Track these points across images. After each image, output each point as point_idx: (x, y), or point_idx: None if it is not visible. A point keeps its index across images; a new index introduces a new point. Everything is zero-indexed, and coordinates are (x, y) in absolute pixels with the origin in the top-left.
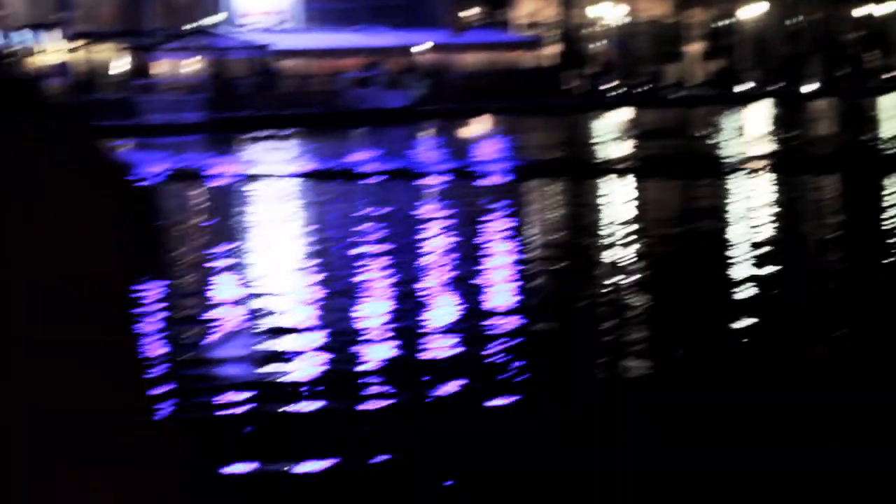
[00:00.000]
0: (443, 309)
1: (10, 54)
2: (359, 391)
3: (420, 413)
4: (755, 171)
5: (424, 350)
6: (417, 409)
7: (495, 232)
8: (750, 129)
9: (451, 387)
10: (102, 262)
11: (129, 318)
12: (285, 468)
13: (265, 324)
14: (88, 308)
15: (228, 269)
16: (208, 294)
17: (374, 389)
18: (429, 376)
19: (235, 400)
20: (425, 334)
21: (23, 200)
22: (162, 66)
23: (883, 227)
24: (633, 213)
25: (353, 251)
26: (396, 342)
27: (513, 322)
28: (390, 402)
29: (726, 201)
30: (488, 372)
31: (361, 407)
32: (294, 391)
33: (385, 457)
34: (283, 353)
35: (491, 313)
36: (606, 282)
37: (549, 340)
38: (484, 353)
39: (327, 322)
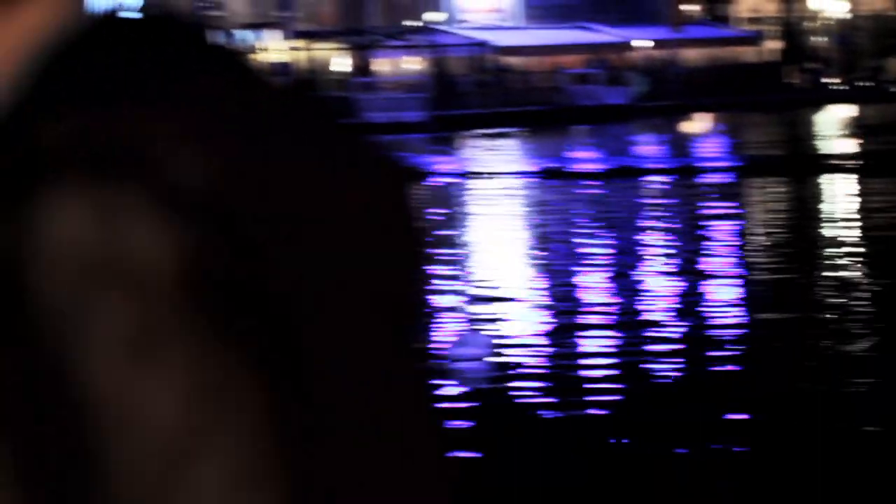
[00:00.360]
0: (674, 311)
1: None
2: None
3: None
4: None
5: (652, 352)
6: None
7: (719, 231)
8: None
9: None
10: (399, 270)
11: (418, 328)
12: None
13: (502, 328)
14: (389, 321)
15: (454, 266)
16: (439, 292)
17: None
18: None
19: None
20: (652, 335)
21: (318, 207)
22: (383, 65)
23: None
24: (861, 211)
25: (578, 250)
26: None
27: (755, 325)
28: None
29: None
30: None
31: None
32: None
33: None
34: (515, 353)
35: (724, 313)
36: (844, 284)
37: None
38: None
39: (558, 322)
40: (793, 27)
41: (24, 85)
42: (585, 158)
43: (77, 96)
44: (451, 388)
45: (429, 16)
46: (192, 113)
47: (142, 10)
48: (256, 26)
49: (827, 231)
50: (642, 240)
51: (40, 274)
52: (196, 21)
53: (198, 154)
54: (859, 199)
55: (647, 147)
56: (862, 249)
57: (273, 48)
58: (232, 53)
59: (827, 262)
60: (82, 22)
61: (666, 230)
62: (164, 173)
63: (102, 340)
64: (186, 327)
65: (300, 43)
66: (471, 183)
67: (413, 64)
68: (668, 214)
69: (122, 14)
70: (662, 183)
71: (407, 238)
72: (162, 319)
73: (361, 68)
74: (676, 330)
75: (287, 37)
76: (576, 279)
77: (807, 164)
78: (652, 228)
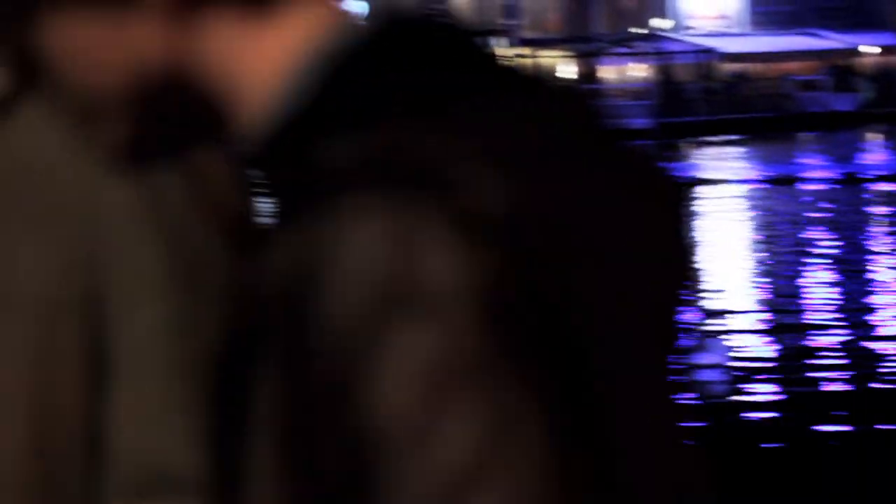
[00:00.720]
0: None
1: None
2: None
3: None
4: None
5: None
6: None
7: None
8: None
9: None
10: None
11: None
12: None
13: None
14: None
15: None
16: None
17: None
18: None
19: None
20: (885, 348)
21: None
22: (608, 72)
23: None
24: None
25: (807, 259)
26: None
27: None
28: None
29: None
30: None
31: None
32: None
33: None
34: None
35: None
36: None
37: None
38: None
39: (787, 333)
40: None
41: (295, 99)
42: (813, 165)
43: (363, 112)
44: (692, 398)
45: (654, 22)
46: (489, 131)
47: (406, 18)
48: (483, 34)
49: None
50: (872, 248)
51: (332, 297)
52: (465, 27)
53: (498, 176)
54: None
55: (876, 154)
56: None
57: (499, 55)
58: (505, 62)
59: None
60: (350, 31)
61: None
62: (463, 195)
63: (396, 367)
64: (482, 359)
65: (526, 50)
66: (698, 190)
67: (639, 71)
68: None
69: (391, 21)
70: (892, 191)
71: (680, 253)
72: (458, 348)
73: (587, 75)
74: None
75: (513, 44)
76: (805, 289)
77: None
78: (882, 237)
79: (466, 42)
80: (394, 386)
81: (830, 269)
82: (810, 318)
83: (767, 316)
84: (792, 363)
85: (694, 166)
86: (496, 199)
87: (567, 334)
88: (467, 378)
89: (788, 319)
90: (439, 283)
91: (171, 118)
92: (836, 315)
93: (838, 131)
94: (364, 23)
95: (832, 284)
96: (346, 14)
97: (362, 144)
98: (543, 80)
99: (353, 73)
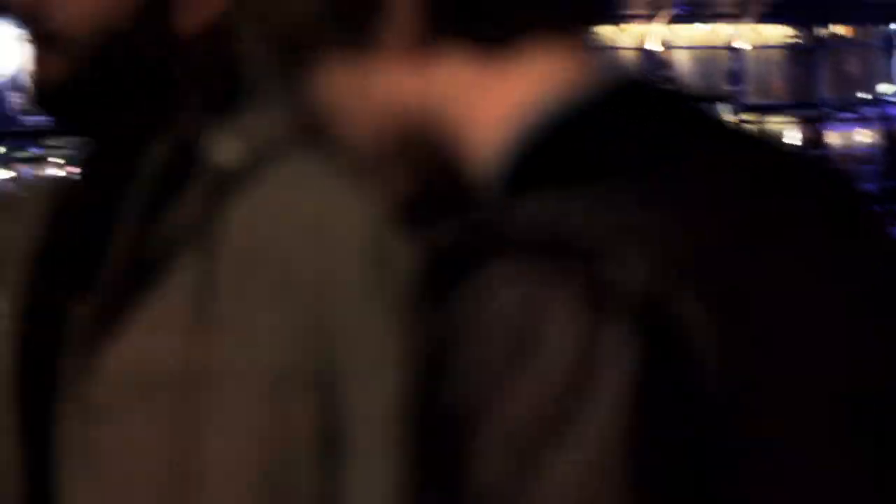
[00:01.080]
0: None
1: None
2: None
3: None
4: None
5: None
6: None
7: None
8: None
9: None
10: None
11: None
12: None
13: None
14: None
15: None
16: None
17: None
18: None
19: None
20: None
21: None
22: (833, 137)
23: None
24: None
25: None
26: None
27: None
28: None
29: None
30: None
31: None
32: None
33: None
34: None
35: None
36: None
37: None
38: None
39: None
40: None
41: (507, 160)
42: None
43: (543, 176)
44: None
45: (881, 88)
46: (657, 204)
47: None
48: (708, 99)
49: None
50: None
51: (458, 365)
52: (689, 92)
53: (644, 254)
54: None
55: None
56: None
57: (724, 121)
58: (732, 127)
59: None
60: (578, 88)
61: None
62: (601, 269)
63: (496, 434)
64: (588, 432)
65: (751, 116)
66: None
67: (864, 136)
68: None
69: (615, 84)
70: None
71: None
72: (557, 420)
73: (812, 141)
74: None
75: (737, 110)
76: None
77: None
78: None
79: (687, 107)
80: (493, 451)
81: None
82: None
83: None
84: None
85: None
86: (635, 279)
87: (715, 432)
88: (562, 451)
89: None
90: (556, 352)
91: (426, 171)
92: None
93: None
94: (595, 79)
95: None
96: (586, 65)
97: (530, 211)
98: (777, 148)
99: (553, 135)
